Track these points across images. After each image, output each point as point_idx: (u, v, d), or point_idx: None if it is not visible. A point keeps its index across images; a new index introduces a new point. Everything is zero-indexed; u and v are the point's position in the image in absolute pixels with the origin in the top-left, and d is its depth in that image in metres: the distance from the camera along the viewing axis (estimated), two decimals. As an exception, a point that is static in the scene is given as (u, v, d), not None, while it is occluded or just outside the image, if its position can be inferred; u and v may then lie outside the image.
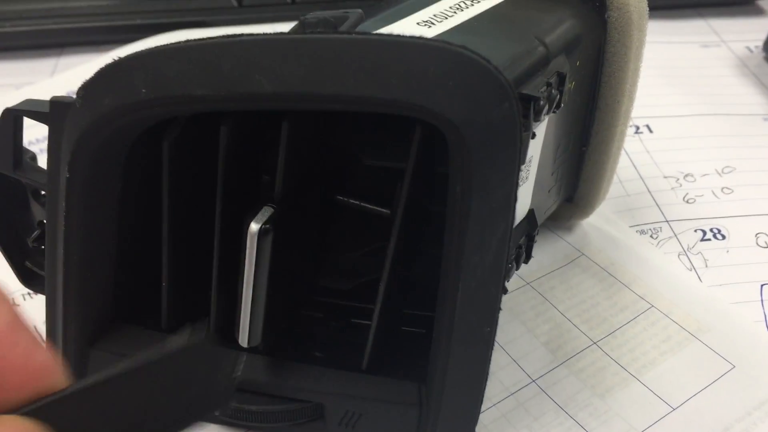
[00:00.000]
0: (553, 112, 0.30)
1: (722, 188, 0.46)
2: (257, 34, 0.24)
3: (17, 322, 0.19)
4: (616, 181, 0.44)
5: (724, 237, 0.42)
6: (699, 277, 0.40)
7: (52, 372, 0.19)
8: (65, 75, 0.55)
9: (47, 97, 0.28)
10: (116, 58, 0.25)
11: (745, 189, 0.46)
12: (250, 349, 0.31)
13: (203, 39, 0.25)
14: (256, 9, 0.59)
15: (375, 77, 0.23)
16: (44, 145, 0.45)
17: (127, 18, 0.58)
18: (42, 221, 0.33)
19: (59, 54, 0.59)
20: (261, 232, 0.27)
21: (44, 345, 0.20)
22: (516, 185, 0.25)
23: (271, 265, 0.28)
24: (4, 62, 0.58)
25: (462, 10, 0.33)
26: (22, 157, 0.30)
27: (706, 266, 0.41)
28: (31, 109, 0.28)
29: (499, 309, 0.28)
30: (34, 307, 0.38)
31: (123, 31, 0.58)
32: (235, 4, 0.59)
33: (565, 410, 0.33)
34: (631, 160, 0.48)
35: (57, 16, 0.58)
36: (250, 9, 0.59)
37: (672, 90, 0.55)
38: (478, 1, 0.33)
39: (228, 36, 0.24)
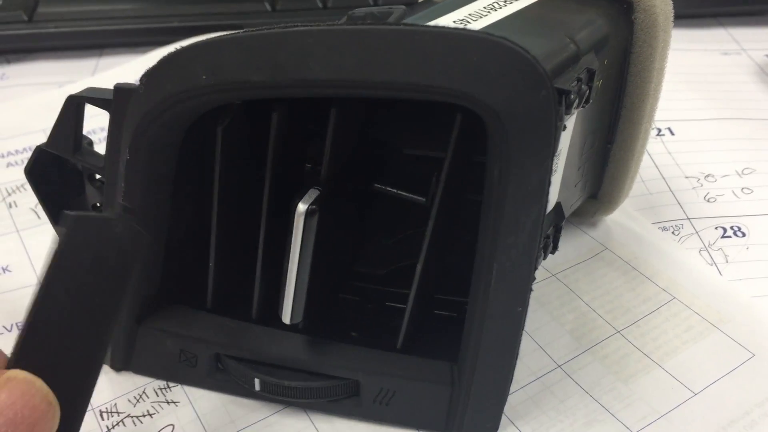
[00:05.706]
0: (583, 106, 0.32)
1: (742, 188, 0.47)
2: (311, 25, 0.26)
3: None
4: (638, 180, 0.46)
5: (744, 234, 0.44)
6: (720, 272, 0.41)
7: None
8: (105, 74, 0.58)
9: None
10: (178, 48, 0.27)
11: (764, 189, 0.47)
12: (291, 327, 0.32)
13: (260, 29, 0.26)
14: (289, 13, 0.61)
15: (421, 65, 0.25)
16: (96, 136, 0.47)
17: (165, 21, 0.60)
18: (96, 204, 0.35)
19: (99, 54, 0.61)
20: (308, 212, 0.29)
21: None
22: (550, 170, 0.27)
23: (315, 245, 0.30)
24: (48, 62, 0.60)
25: (495, 10, 0.34)
26: (82, 142, 0.32)
27: (727, 262, 0.42)
28: (94, 96, 0.30)
29: (531, 290, 0.30)
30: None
31: (160, 33, 0.60)
32: (269, 8, 0.61)
33: (590, 394, 0.35)
34: (653, 161, 0.49)
35: (98, 18, 0.60)
36: (283, 13, 0.61)
37: (693, 95, 0.57)
38: (511, 2, 0.35)
39: (284, 26, 0.26)
